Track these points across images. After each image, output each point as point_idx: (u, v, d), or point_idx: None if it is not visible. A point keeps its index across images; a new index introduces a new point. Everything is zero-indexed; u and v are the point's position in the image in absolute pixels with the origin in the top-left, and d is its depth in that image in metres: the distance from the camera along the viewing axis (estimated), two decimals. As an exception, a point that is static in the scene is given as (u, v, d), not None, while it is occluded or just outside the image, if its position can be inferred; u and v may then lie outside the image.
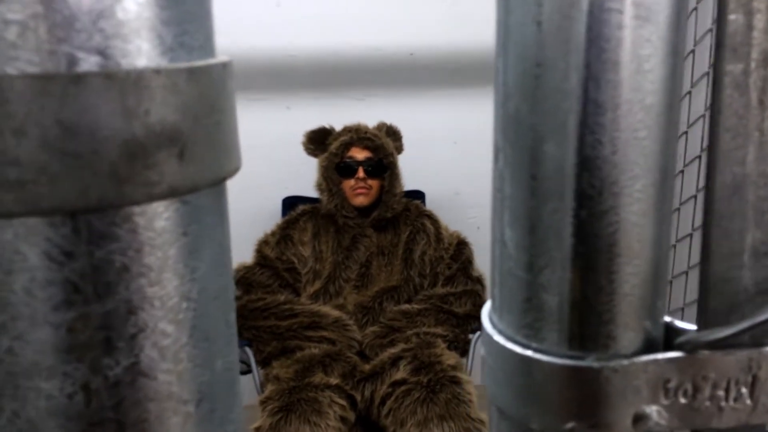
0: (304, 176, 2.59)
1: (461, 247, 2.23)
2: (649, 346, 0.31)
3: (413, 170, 2.44)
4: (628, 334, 0.30)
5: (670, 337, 0.32)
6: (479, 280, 2.20)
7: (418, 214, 2.27)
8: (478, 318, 2.13)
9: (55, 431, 0.25)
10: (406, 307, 2.09)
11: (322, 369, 1.91)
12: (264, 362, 2.03)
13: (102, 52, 0.23)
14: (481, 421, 1.79)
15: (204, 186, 0.26)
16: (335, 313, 2.04)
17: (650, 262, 0.30)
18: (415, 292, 2.16)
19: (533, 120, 0.28)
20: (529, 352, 0.30)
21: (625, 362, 0.30)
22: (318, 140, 2.24)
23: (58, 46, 0.23)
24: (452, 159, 2.84)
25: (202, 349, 0.28)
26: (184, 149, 0.25)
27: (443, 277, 2.18)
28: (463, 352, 2.09)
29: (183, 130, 0.25)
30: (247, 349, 2.03)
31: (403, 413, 1.81)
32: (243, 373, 2.13)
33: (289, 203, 2.51)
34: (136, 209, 0.25)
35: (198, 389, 0.28)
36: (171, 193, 0.25)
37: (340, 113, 2.43)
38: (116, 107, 0.23)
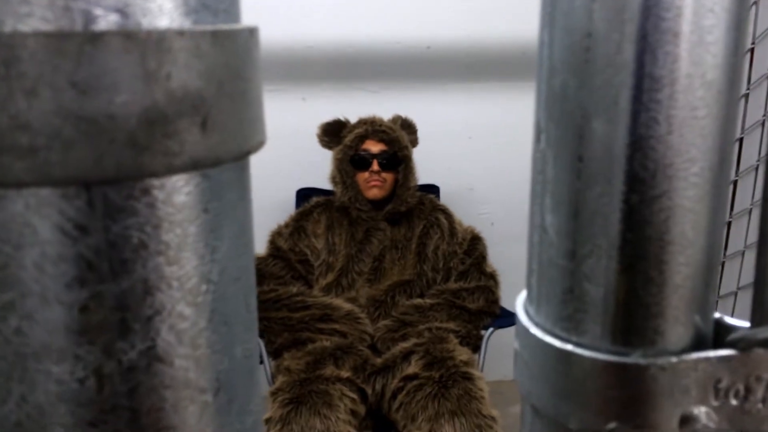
0: (318, 168, 2.57)
1: (475, 242, 2.21)
2: (699, 343, 0.29)
3: (428, 164, 2.42)
4: (677, 329, 0.28)
5: (720, 334, 0.30)
6: (492, 276, 2.18)
7: (432, 208, 2.25)
8: (490, 314, 2.11)
9: (65, 417, 0.23)
10: (418, 301, 2.07)
11: (333, 362, 1.89)
12: (275, 353, 2.02)
13: (121, 10, 0.22)
14: (493, 418, 1.77)
15: (227, 159, 0.24)
16: (347, 306, 2.03)
17: (704, 251, 0.28)
18: (428, 286, 2.14)
19: (581, 96, 0.26)
20: (568, 346, 0.28)
21: (674, 359, 0.27)
22: (333, 132, 2.22)
23: (74, 3, 0.21)
24: (467, 154, 2.81)
25: (221, 335, 0.26)
26: (207, 118, 0.23)
27: (456, 272, 2.16)
28: (475, 348, 2.08)
29: (206, 98, 0.23)
30: (259, 340, 2.02)
31: (414, 408, 1.80)
32: (255, 364, 2.13)
33: (303, 195, 2.50)
34: (155, 182, 0.23)
35: (216, 377, 0.26)
36: (192, 166, 0.23)
37: (356, 105, 2.41)
38: (136, 70, 0.21)
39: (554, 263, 0.29)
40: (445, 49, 2.74)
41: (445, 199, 2.55)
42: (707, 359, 0.28)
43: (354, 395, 1.86)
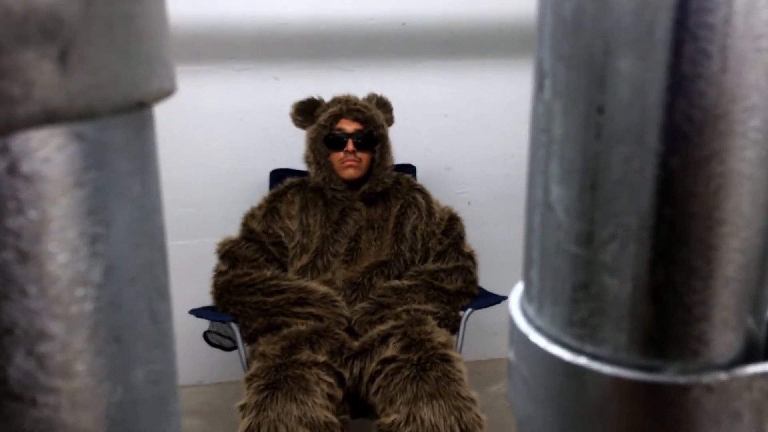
0: (292, 148, 2.50)
1: (453, 222, 2.16)
2: (752, 353, 0.22)
3: (404, 144, 2.36)
4: (726, 335, 0.21)
5: (773, 339, 0.23)
6: (470, 257, 2.13)
7: (409, 188, 2.20)
8: (468, 294, 2.07)
9: None
10: (396, 283, 2.02)
11: (309, 346, 1.84)
12: (250, 338, 1.96)
13: None
14: (472, 399, 1.73)
15: (104, 111, 0.17)
16: (323, 288, 1.97)
17: (763, 233, 0.21)
18: (406, 267, 2.09)
19: (602, 24, 0.19)
20: (582, 360, 0.21)
21: (724, 376, 0.21)
22: (306, 111, 2.15)
23: None
24: (443, 133, 2.76)
25: (109, 357, 0.19)
26: (69, 49, 0.16)
27: (434, 252, 2.11)
28: (454, 329, 2.03)
29: (66, 20, 0.16)
30: (233, 325, 1.95)
31: (392, 391, 1.76)
32: (229, 349, 2.06)
33: (277, 176, 2.42)
34: (-9, 142, 0.15)
35: (106, 414, 0.19)
36: (47, 118, 0.16)
37: (330, 84, 2.33)
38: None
39: (563, 251, 0.22)
40: (420, 25, 2.66)
41: (422, 178, 2.48)
42: (765, 375, 0.21)
43: (331, 379, 1.80)
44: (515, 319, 0.24)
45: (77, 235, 0.17)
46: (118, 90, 0.17)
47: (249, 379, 1.80)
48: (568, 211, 0.21)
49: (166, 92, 0.20)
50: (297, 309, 1.96)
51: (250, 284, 1.99)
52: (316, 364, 1.82)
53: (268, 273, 2.02)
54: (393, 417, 1.72)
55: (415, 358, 1.81)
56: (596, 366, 0.21)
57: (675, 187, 0.20)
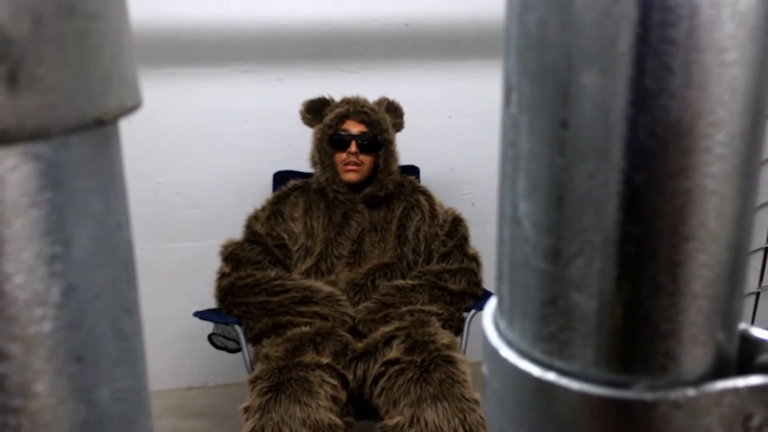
0: (295, 150, 2.50)
1: (456, 224, 2.16)
2: (722, 368, 0.22)
3: (407, 145, 2.36)
4: (695, 351, 0.21)
5: (746, 353, 0.23)
6: (475, 258, 2.13)
7: (412, 189, 2.19)
8: (472, 296, 2.07)
9: None
10: (400, 282, 2.02)
11: (313, 348, 1.84)
12: (255, 340, 1.97)
13: None
14: (476, 401, 1.73)
15: (61, 130, 0.17)
16: (327, 288, 1.97)
17: (730, 249, 0.20)
18: (409, 269, 2.09)
19: (566, 38, 0.19)
20: (550, 375, 0.21)
21: (692, 392, 0.20)
22: (316, 110, 2.15)
23: None
24: (447, 134, 2.75)
25: (71, 376, 0.19)
26: (18, 69, 0.16)
27: (438, 254, 2.10)
28: (458, 330, 2.03)
29: (14, 39, 0.15)
30: (237, 327, 1.96)
31: (396, 393, 1.76)
32: (234, 351, 2.06)
33: (280, 178, 2.42)
34: (-59, 164, 0.15)
35: (69, 433, 0.19)
36: (-2, 139, 0.16)
37: (333, 85, 2.34)
38: None
39: (531, 266, 0.22)
40: (423, 26, 2.66)
41: (425, 180, 2.48)
42: (735, 390, 0.21)
43: (334, 381, 1.80)
44: (487, 333, 0.24)
45: (34, 255, 0.17)
46: (73, 109, 0.17)
47: (253, 382, 1.80)
48: (536, 226, 0.21)
49: (128, 108, 0.20)
50: (302, 308, 1.96)
51: (254, 285, 2.00)
52: (319, 366, 1.83)
53: (272, 273, 2.02)
54: (397, 419, 1.72)
55: (419, 359, 1.81)
56: (564, 382, 0.21)
57: (640, 203, 0.19)
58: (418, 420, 1.68)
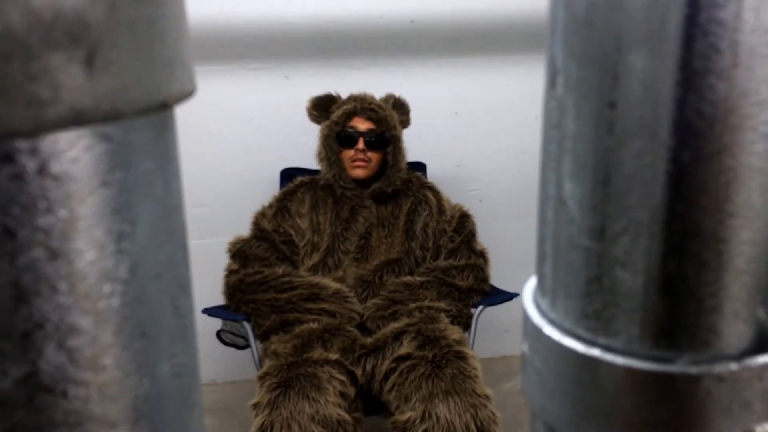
0: (302, 147, 2.50)
1: (464, 220, 2.16)
2: (763, 343, 0.22)
3: (414, 142, 2.36)
4: (737, 326, 0.21)
5: (784, 330, 0.23)
6: (482, 254, 2.13)
7: (419, 185, 2.19)
8: (479, 292, 2.07)
9: None
10: (408, 279, 2.02)
11: (321, 344, 1.84)
12: (263, 336, 1.97)
13: None
14: (487, 397, 1.74)
15: (130, 112, 0.18)
16: (335, 285, 1.98)
17: (774, 226, 0.21)
18: (417, 264, 2.09)
19: (614, 21, 0.19)
20: (595, 351, 0.22)
21: (734, 366, 0.21)
22: (323, 107, 2.15)
23: None
24: (454, 130, 2.75)
25: (136, 351, 0.19)
26: (95, 53, 0.16)
27: (445, 250, 2.11)
28: (466, 326, 2.03)
29: (92, 24, 0.16)
30: (246, 324, 1.96)
31: (407, 388, 1.76)
32: (243, 347, 2.07)
33: (287, 175, 2.42)
34: (22, 144, 0.16)
35: (133, 406, 0.20)
36: (75, 120, 0.16)
37: (340, 82, 2.34)
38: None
39: (576, 245, 0.22)
40: (429, 22, 2.66)
41: (432, 176, 2.48)
42: (776, 365, 0.21)
43: (343, 377, 1.81)
44: (529, 312, 0.25)
45: (104, 233, 0.18)
46: (142, 91, 0.18)
47: (261, 378, 1.81)
48: (581, 205, 0.22)
49: (187, 93, 0.20)
50: (309, 305, 1.96)
51: (262, 282, 2.00)
52: (328, 362, 1.83)
53: (280, 270, 2.02)
54: (408, 414, 1.72)
55: (430, 355, 1.81)
56: (609, 357, 0.22)
57: (686, 181, 0.20)
58: (430, 415, 1.68)
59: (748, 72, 0.19)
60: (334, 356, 1.85)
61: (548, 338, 0.23)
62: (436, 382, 1.76)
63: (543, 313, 0.24)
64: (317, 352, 1.84)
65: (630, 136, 0.20)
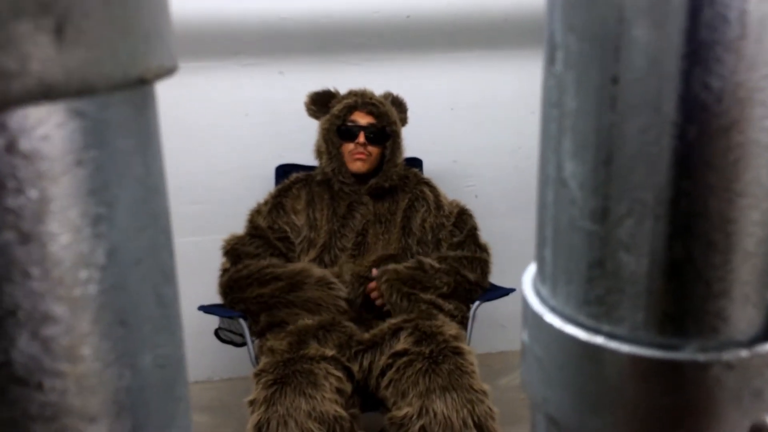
0: (298, 144, 2.49)
1: (464, 216, 2.15)
2: (773, 329, 0.21)
3: (410, 137, 2.35)
4: (746, 311, 0.20)
5: (794, 315, 0.22)
6: (486, 249, 2.12)
7: (416, 181, 2.19)
8: (482, 287, 2.06)
9: None
10: (427, 261, 1.99)
11: (316, 340, 1.83)
12: (260, 333, 1.96)
13: None
14: (484, 392, 1.73)
15: (106, 87, 0.16)
16: (318, 272, 1.95)
17: (784, 205, 0.20)
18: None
19: (616, -10, 0.19)
20: (598, 339, 0.21)
21: (744, 353, 0.20)
22: (321, 102, 2.15)
23: None
24: (450, 125, 2.74)
25: (115, 340, 0.18)
26: (65, 22, 0.15)
27: (446, 243, 2.10)
28: (463, 322, 2.03)
29: (62, -10, 0.15)
30: (242, 321, 1.95)
31: (404, 384, 1.75)
32: (241, 344, 2.06)
33: (282, 171, 2.41)
34: (-12, 119, 0.15)
35: (114, 398, 0.19)
36: (46, 93, 0.15)
37: (335, 78, 2.32)
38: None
39: (577, 227, 0.21)
40: (425, 17, 2.65)
41: (428, 172, 2.47)
42: (787, 351, 0.20)
43: (339, 374, 1.80)
44: (528, 300, 0.24)
45: (79, 216, 0.17)
46: (117, 65, 0.17)
47: (257, 375, 1.80)
48: (582, 186, 0.21)
49: (167, 69, 0.19)
50: (292, 296, 1.94)
51: (247, 276, 1.98)
52: (324, 358, 1.82)
53: (264, 263, 1.99)
54: (405, 410, 1.72)
55: (427, 351, 1.80)
56: (613, 345, 0.21)
57: (693, 158, 0.19)
58: (427, 411, 1.68)
59: (758, 43, 0.18)
60: (330, 352, 1.84)
61: (549, 326, 0.22)
62: (433, 377, 1.75)
63: (543, 300, 0.24)
64: (313, 349, 1.83)
65: (633, 111, 0.19)
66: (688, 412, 0.20)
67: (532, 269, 0.25)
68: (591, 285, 0.21)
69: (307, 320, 1.91)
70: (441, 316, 1.94)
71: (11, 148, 0.15)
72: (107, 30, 0.16)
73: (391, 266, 1.97)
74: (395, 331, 1.90)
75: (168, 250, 0.21)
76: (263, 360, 1.84)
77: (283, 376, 1.74)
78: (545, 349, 0.23)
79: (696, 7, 0.18)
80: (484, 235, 2.20)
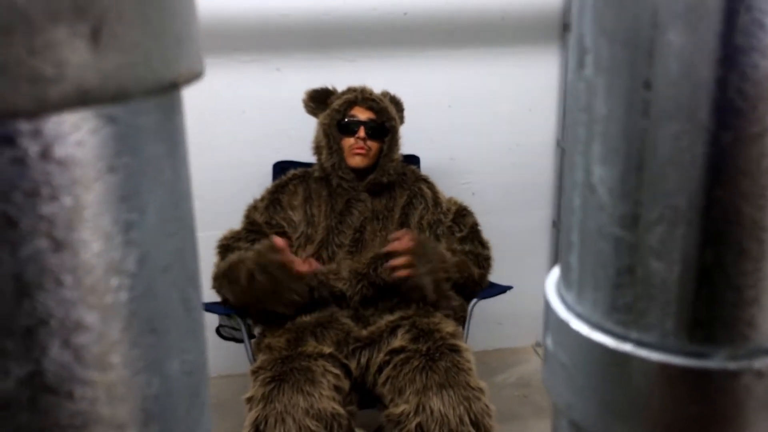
0: (295, 141, 2.49)
1: (464, 214, 2.15)
2: (803, 336, 0.21)
3: (408, 134, 2.35)
4: (777, 319, 0.20)
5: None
6: (488, 246, 2.13)
7: (414, 179, 2.19)
8: (482, 284, 2.06)
9: None
10: (446, 251, 1.97)
11: (314, 337, 1.84)
12: (260, 325, 1.97)
13: None
14: (480, 389, 1.73)
15: (138, 92, 0.16)
16: (251, 252, 1.87)
17: (816, 212, 0.20)
18: (411, 257, 2.08)
19: (650, -5, 0.18)
20: (627, 346, 0.21)
21: (775, 361, 0.20)
22: (319, 99, 2.14)
23: None
24: (447, 123, 2.74)
25: (145, 348, 0.18)
26: (101, 26, 0.15)
27: (445, 239, 2.10)
28: (461, 319, 2.03)
29: (98, -5, 0.15)
30: (238, 318, 1.95)
31: (401, 381, 1.76)
32: (241, 341, 2.05)
33: (280, 168, 2.40)
34: (23, 125, 0.15)
35: (142, 406, 0.18)
36: (81, 99, 0.15)
37: (333, 75, 2.32)
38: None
39: (606, 234, 0.21)
40: (422, 14, 2.65)
41: (425, 169, 2.47)
42: (817, 359, 0.20)
43: (337, 371, 1.80)
44: (553, 305, 0.24)
45: (111, 223, 0.17)
46: (151, 70, 0.17)
47: (255, 372, 1.80)
48: (612, 192, 0.21)
49: (196, 73, 0.19)
50: (236, 273, 1.85)
51: (223, 274, 1.95)
52: (322, 355, 1.83)
53: (233, 256, 1.94)
54: (402, 407, 1.72)
55: (424, 348, 1.81)
56: (642, 352, 0.21)
57: (726, 165, 0.19)
58: (424, 408, 1.68)
59: (795, 49, 0.18)
60: (328, 350, 1.84)
61: (576, 333, 0.22)
62: (429, 374, 1.76)
63: (569, 307, 0.23)
64: (311, 346, 1.83)
65: (666, 117, 0.19)
66: (717, 421, 0.20)
67: (555, 274, 0.25)
68: (619, 292, 0.21)
69: (305, 317, 1.91)
70: (438, 314, 1.95)
71: (46, 154, 0.15)
72: (141, 34, 0.16)
73: (423, 236, 1.93)
74: (393, 329, 1.90)
75: (194, 254, 0.21)
76: (261, 357, 1.84)
77: (281, 374, 1.74)
78: (571, 355, 0.23)
79: (732, 11, 0.18)
80: (484, 233, 2.21)
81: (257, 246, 1.90)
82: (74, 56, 0.15)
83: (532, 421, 2.49)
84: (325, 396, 1.73)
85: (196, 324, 0.21)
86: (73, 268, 0.16)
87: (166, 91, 0.18)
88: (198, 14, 0.19)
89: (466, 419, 1.69)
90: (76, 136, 0.16)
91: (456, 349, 1.83)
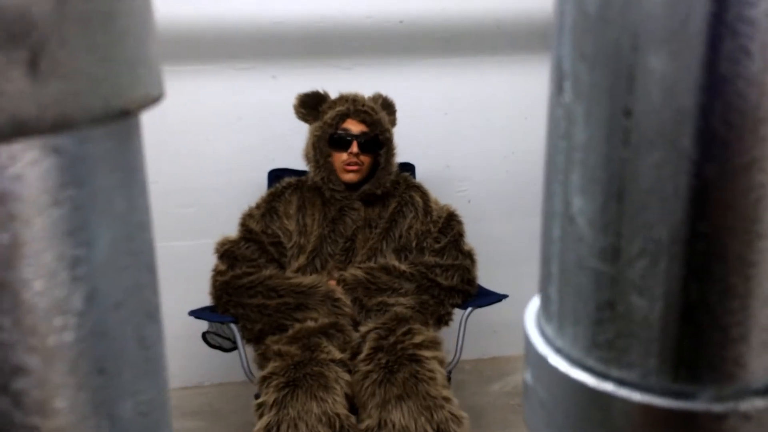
0: (290, 148, 2.48)
1: (451, 221, 2.14)
2: (792, 375, 0.20)
3: (403, 142, 2.34)
4: (765, 358, 0.19)
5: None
6: (469, 255, 2.11)
7: (406, 186, 2.17)
8: (462, 292, 2.05)
9: None
10: (392, 264, 2.00)
11: (326, 343, 1.84)
12: (257, 339, 1.95)
13: None
14: (444, 398, 1.71)
15: (85, 120, 0.15)
16: (323, 288, 1.95)
17: (806, 247, 0.19)
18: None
19: (631, 17, 0.17)
20: (608, 386, 0.20)
21: (761, 403, 0.19)
22: (310, 104, 2.12)
23: None
24: (443, 131, 2.73)
25: (93, 390, 0.17)
26: (40, 53, 0.14)
27: (429, 250, 2.09)
28: (441, 324, 2.02)
29: (36, 20, 0.14)
30: (233, 326, 1.94)
31: (363, 396, 1.75)
32: (229, 350, 2.04)
33: (275, 176, 2.39)
34: (-46, 158, 0.14)
35: (91, 452, 0.17)
36: (18, 131, 0.14)
37: (328, 82, 2.31)
38: None
39: (585, 267, 0.20)
40: (417, 23, 2.64)
41: (420, 177, 2.46)
42: (807, 400, 0.19)
43: (348, 377, 1.80)
44: (532, 339, 0.23)
45: (55, 259, 0.16)
46: (98, 97, 0.16)
47: (266, 378, 1.79)
48: (592, 223, 0.20)
49: (153, 98, 0.18)
50: (298, 315, 1.96)
51: (250, 286, 1.98)
52: (334, 361, 1.83)
53: (267, 272, 2.00)
54: (366, 422, 1.72)
55: (384, 361, 1.81)
56: (624, 392, 0.19)
57: (711, 197, 0.18)
58: (386, 423, 1.67)
59: (782, 77, 0.17)
60: (339, 355, 1.85)
61: (555, 369, 0.21)
62: (388, 387, 1.76)
63: (548, 340, 0.22)
64: (324, 352, 1.84)
65: (648, 146, 0.18)
66: (703, 464, 0.19)
67: (535, 304, 0.24)
68: (600, 328, 0.20)
69: (311, 323, 1.91)
70: (414, 322, 1.95)
71: (-21, 189, 0.14)
72: (87, 59, 0.15)
73: (349, 272, 2.00)
74: (361, 343, 1.92)
75: (151, 288, 0.20)
76: (272, 364, 1.84)
77: (294, 379, 1.74)
78: (549, 392, 0.21)
79: (716, 37, 0.17)
80: (477, 240, 2.19)
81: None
82: (9, 85, 0.14)
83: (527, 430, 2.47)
84: (339, 402, 1.73)
85: (154, 362, 0.20)
86: (12, 309, 0.15)
87: (118, 119, 0.17)
88: (156, 34, 0.18)
89: (429, 429, 1.67)
90: (13, 169, 0.15)
91: (416, 359, 1.81)
